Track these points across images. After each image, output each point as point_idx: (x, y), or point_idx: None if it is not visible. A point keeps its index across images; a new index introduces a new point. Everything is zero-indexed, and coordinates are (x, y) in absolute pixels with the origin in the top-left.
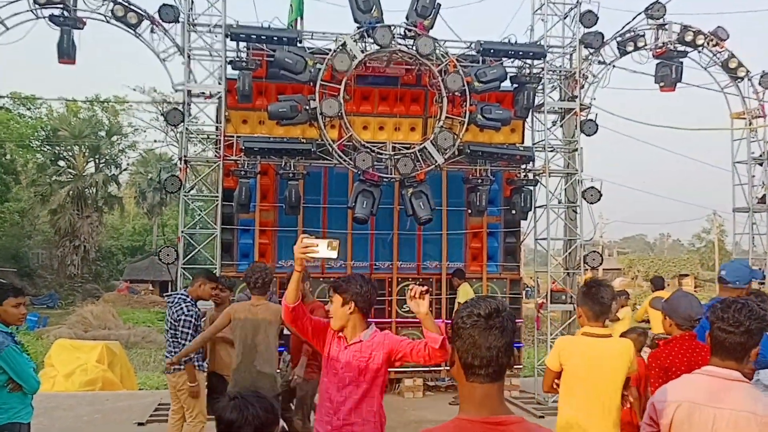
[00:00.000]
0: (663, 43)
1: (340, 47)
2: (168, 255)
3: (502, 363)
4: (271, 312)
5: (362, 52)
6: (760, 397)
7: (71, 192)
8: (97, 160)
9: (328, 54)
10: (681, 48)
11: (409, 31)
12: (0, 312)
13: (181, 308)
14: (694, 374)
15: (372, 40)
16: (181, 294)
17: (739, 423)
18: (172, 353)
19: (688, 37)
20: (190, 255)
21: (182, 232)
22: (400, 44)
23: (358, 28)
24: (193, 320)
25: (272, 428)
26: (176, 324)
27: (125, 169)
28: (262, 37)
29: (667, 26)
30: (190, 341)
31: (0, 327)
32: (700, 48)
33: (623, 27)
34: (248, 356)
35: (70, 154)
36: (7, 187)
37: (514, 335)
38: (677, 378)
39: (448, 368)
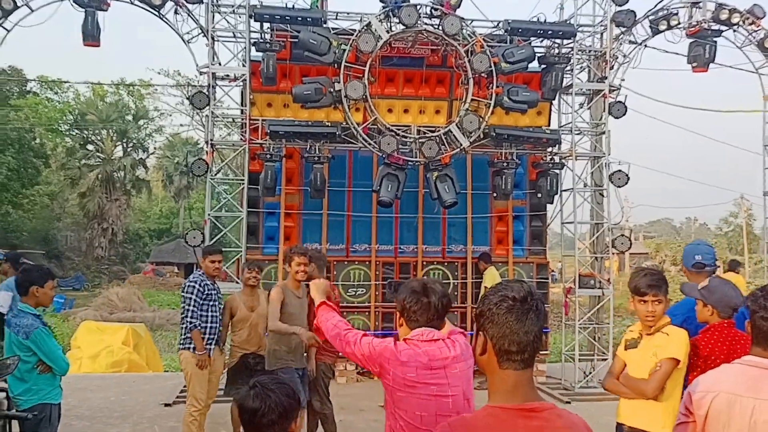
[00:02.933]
0: (697, 21)
1: (365, 27)
2: (194, 238)
3: (537, 347)
4: None
5: (387, 32)
6: None
7: (100, 175)
8: (124, 144)
9: (352, 35)
10: (715, 27)
11: (436, 10)
12: (40, 294)
13: (188, 278)
14: (733, 364)
15: (397, 20)
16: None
17: None
18: (182, 327)
19: (723, 16)
20: (217, 238)
21: (209, 215)
22: (426, 24)
23: (384, 7)
24: (196, 286)
25: (295, 413)
26: (182, 291)
27: (152, 153)
28: (286, 17)
29: (701, 4)
30: (192, 306)
31: (29, 309)
32: (736, 27)
33: (656, 5)
34: None
35: (98, 138)
36: (37, 171)
37: (545, 318)
38: (716, 367)
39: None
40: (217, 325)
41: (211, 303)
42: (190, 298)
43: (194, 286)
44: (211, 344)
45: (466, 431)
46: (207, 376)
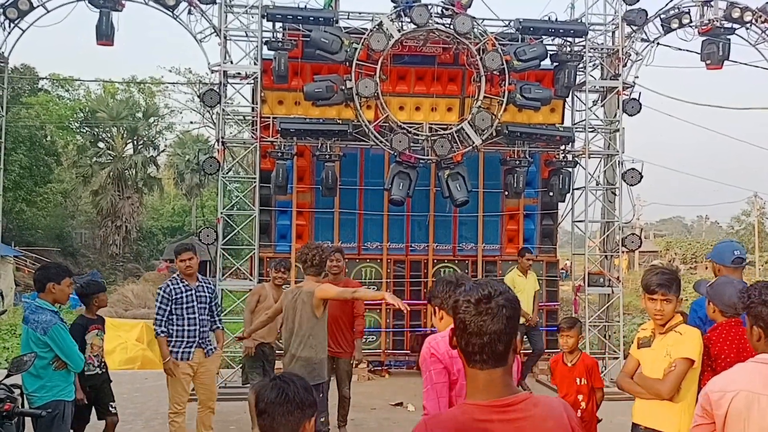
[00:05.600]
0: (709, 19)
1: (377, 27)
2: (208, 236)
3: (496, 350)
4: (305, 293)
5: (399, 31)
6: None
7: (111, 173)
8: (135, 142)
9: (364, 34)
10: (728, 25)
11: (447, 9)
12: (57, 291)
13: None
14: (748, 363)
15: (409, 20)
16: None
17: None
18: None
19: (735, 14)
20: (230, 236)
21: (221, 213)
22: (437, 23)
23: (395, 7)
24: (161, 293)
25: (312, 410)
26: None
27: (163, 151)
28: (299, 17)
29: (712, 2)
30: (157, 313)
31: (47, 306)
32: (748, 25)
33: (667, 3)
34: (287, 341)
35: (109, 135)
36: (49, 169)
37: (512, 321)
38: (727, 365)
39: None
40: (197, 327)
41: (186, 306)
42: (157, 306)
43: (160, 293)
44: (190, 348)
45: (440, 429)
46: (183, 380)
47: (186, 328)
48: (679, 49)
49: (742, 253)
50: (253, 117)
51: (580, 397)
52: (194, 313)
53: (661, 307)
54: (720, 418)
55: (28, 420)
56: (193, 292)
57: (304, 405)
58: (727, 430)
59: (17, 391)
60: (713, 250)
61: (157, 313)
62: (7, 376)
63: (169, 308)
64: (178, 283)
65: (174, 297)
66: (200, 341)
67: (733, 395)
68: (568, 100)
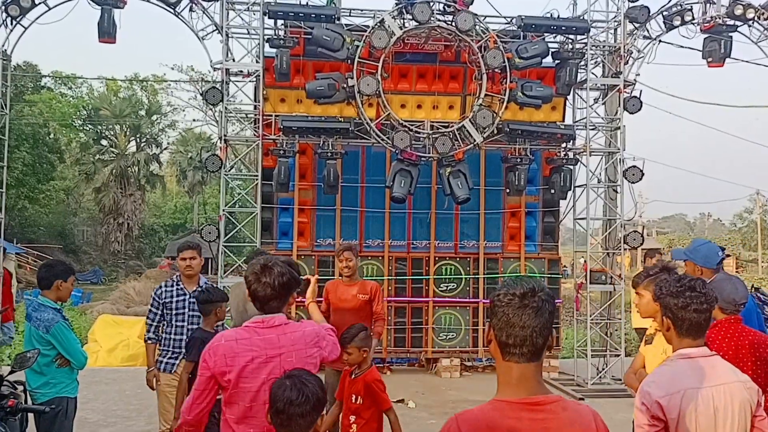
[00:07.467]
0: (711, 17)
1: (379, 24)
2: (210, 233)
3: (537, 343)
4: None
5: (400, 28)
6: (731, 365)
7: (114, 170)
8: (138, 139)
9: (366, 31)
10: (730, 22)
11: (449, 6)
12: (63, 288)
13: None
14: (674, 361)
15: (410, 17)
16: None
17: (734, 393)
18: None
19: (738, 11)
20: (231, 233)
21: (223, 210)
22: (439, 20)
23: (397, 4)
24: (153, 295)
25: (323, 407)
26: None
27: (165, 149)
28: (300, 14)
29: None
30: (148, 318)
31: (50, 303)
32: (751, 22)
33: (669, 0)
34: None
35: (112, 133)
36: (52, 166)
37: (552, 316)
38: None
39: (486, 348)
40: (183, 337)
41: (176, 312)
42: (149, 310)
43: (153, 297)
44: (174, 359)
45: (471, 425)
46: (168, 394)
47: (172, 336)
48: (681, 47)
49: (723, 252)
50: (256, 115)
51: (352, 419)
52: (183, 321)
53: (637, 300)
54: (674, 421)
55: (31, 417)
56: (187, 297)
57: (320, 403)
58: (679, 429)
59: (20, 388)
60: (694, 252)
61: (148, 317)
62: (11, 372)
63: (159, 312)
64: (171, 286)
65: (163, 300)
66: (186, 354)
67: (681, 396)
68: (569, 97)
